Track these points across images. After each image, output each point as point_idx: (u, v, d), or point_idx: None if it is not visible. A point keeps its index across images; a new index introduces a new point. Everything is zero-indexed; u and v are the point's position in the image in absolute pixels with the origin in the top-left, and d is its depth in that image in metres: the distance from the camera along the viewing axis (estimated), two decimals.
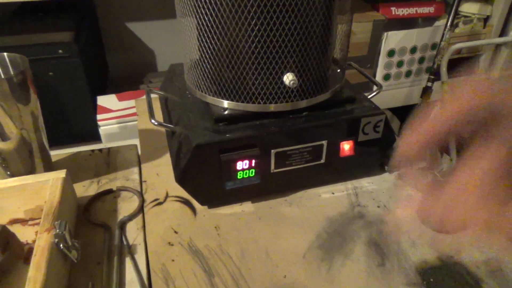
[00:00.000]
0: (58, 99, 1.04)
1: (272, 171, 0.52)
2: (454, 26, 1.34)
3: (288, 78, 0.49)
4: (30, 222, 0.51)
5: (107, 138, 0.92)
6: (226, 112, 0.51)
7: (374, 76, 1.33)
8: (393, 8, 1.29)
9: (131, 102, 0.97)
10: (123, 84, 1.37)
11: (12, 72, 0.52)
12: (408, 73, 1.37)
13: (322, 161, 0.54)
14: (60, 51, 0.98)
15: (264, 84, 0.50)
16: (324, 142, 0.52)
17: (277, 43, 0.47)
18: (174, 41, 1.47)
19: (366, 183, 0.58)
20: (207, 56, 0.51)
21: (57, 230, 0.41)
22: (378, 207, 0.54)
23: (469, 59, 1.45)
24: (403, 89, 1.40)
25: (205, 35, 0.49)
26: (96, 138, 0.97)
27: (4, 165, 0.53)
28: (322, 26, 0.49)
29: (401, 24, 1.33)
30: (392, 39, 1.28)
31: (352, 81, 0.61)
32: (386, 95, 1.38)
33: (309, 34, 0.48)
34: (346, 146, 0.54)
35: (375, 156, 0.57)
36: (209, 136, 0.48)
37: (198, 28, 0.50)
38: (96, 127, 0.92)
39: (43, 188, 0.49)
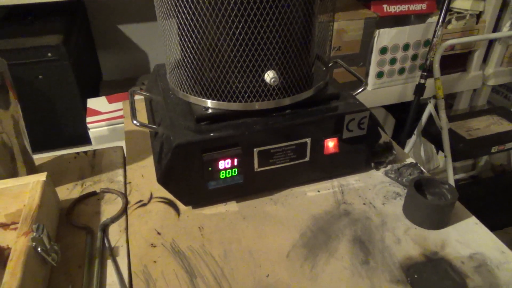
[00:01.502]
0: (48, 103, 1.03)
1: (256, 170, 0.52)
2: (446, 22, 1.34)
3: (269, 76, 0.48)
4: (11, 226, 0.50)
5: (96, 141, 0.92)
6: (208, 111, 0.50)
7: (367, 74, 1.32)
8: (385, 6, 1.28)
9: (121, 104, 0.97)
10: (117, 87, 1.36)
11: None
12: (401, 70, 1.36)
13: (307, 159, 0.53)
14: (49, 54, 0.98)
15: (245, 83, 0.49)
16: (308, 140, 0.52)
17: (257, 41, 0.46)
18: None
19: (353, 181, 0.57)
20: (189, 56, 0.50)
21: (35, 234, 0.40)
22: (364, 204, 0.53)
23: (462, 55, 1.44)
24: (397, 87, 1.39)
25: (186, 35, 0.48)
26: (87, 141, 0.96)
27: None
28: (302, 23, 0.48)
29: (393, 22, 1.33)
30: (384, 37, 1.27)
31: (344, 79, 0.60)
32: (380, 93, 1.37)
33: (289, 32, 0.47)
34: (331, 144, 0.53)
35: (361, 153, 0.56)
36: (190, 136, 0.48)
37: (179, 28, 0.49)
38: (86, 129, 0.92)
39: (24, 191, 0.49)
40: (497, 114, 1.41)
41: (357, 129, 0.54)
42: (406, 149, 1.39)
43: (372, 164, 0.59)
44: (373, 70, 1.32)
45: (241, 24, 0.45)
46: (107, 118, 0.92)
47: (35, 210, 0.44)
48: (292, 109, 0.52)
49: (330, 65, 0.60)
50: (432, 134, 1.34)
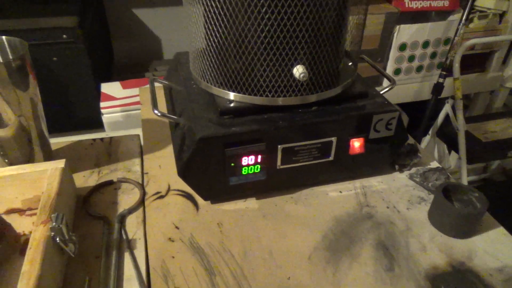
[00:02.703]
0: (61, 85, 1.02)
1: (278, 167, 0.50)
2: (469, 21, 1.30)
3: (298, 71, 0.46)
4: (27, 212, 0.49)
5: (110, 126, 0.90)
6: (232, 105, 0.49)
7: (384, 70, 1.30)
8: (406, 1, 1.25)
9: (135, 90, 0.96)
10: (128, 72, 1.35)
11: (10, 57, 0.50)
12: (419, 68, 1.34)
13: (331, 158, 0.52)
14: (64, 36, 0.96)
15: (272, 76, 0.47)
16: (334, 139, 0.50)
17: (288, 33, 0.44)
18: (180, 29, 1.44)
19: (376, 182, 0.56)
20: (214, 45, 0.48)
21: (54, 223, 0.39)
22: (387, 208, 0.51)
23: (482, 55, 1.41)
24: (413, 84, 1.37)
25: (212, 22, 0.46)
26: (99, 125, 0.95)
27: (2, 153, 0.51)
28: (336, 16, 0.46)
29: (414, 18, 1.30)
30: (404, 33, 1.24)
31: (362, 75, 0.58)
32: (396, 90, 1.34)
33: (322, 25, 0.45)
34: (357, 144, 0.52)
35: (386, 155, 0.55)
36: (214, 129, 0.46)
37: (205, 15, 0.47)
38: (99, 114, 0.91)
39: (41, 177, 0.47)
40: None
41: (384, 130, 0.52)
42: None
43: (396, 167, 0.57)
44: (390, 66, 1.30)
45: (271, 13, 0.43)
46: (121, 104, 0.90)
47: (54, 198, 0.43)
48: (318, 106, 0.51)
49: (357, 61, 0.58)
50: (446, 135, 1.32)
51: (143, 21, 1.43)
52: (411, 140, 0.61)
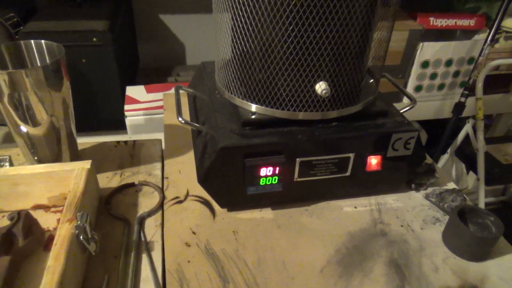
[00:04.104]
0: (88, 86, 1.06)
1: (295, 180, 0.51)
2: (494, 41, 1.29)
3: (321, 87, 0.47)
4: (52, 209, 0.52)
5: (132, 129, 0.93)
6: (254, 116, 0.50)
7: (405, 86, 1.29)
8: (431, 18, 1.25)
9: (159, 95, 0.98)
10: (152, 75, 1.38)
11: (48, 60, 0.53)
12: (441, 86, 1.33)
13: (348, 173, 0.52)
14: (95, 39, 1.00)
15: (295, 91, 0.49)
16: (351, 155, 0.51)
17: (313, 50, 0.46)
18: (205, 36, 1.47)
19: (391, 200, 0.56)
20: (240, 57, 0.50)
21: (79, 222, 0.41)
22: (402, 226, 0.52)
23: (507, 76, 1.39)
24: (434, 102, 1.36)
25: (240, 34, 0.48)
26: (122, 127, 0.98)
27: (33, 151, 0.54)
28: (361, 35, 0.47)
29: (437, 35, 1.29)
30: (428, 50, 1.24)
31: (381, 90, 0.59)
32: (416, 107, 1.33)
33: (346, 43, 0.46)
34: (374, 161, 0.52)
35: (403, 173, 0.55)
36: (235, 139, 0.47)
37: (233, 26, 0.49)
38: (123, 116, 0.93)
39: (68, 176, 0.50)
40: None
41: (402, 149, 0.52)
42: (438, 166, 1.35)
43: (413, 186, 0.57)
44: (411, 83, 1.29)
45: (297, 29, 0.44)
46: (144, 108, 0.93)
47: (79, 197, 0.45)
48: (338, 122, 0.52)
49: (379, 79, 0.58)
50: (465, 154, 1.31)
51: (169, 26, 1.46)
52: (428, 160, 0.61)
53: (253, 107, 0.51)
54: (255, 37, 0.47)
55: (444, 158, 1.36)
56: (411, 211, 0.54)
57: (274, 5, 0.44)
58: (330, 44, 0.45)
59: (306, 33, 0.44)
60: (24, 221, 0.44)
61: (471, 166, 1.27)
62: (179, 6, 1.40)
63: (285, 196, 0.52)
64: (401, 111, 0.56)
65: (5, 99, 0.48)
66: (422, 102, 1.34)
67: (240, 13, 0.46)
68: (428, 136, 1.56)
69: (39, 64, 0.53)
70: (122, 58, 1.11)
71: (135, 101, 0.96)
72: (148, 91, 1.01)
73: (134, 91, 1.00)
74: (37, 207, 0.51)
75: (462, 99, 1.21)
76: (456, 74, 1.31)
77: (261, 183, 0.50)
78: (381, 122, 0.53)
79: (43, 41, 0.53)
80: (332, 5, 0.43)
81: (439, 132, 1.32)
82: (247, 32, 0.47)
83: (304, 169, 0.51)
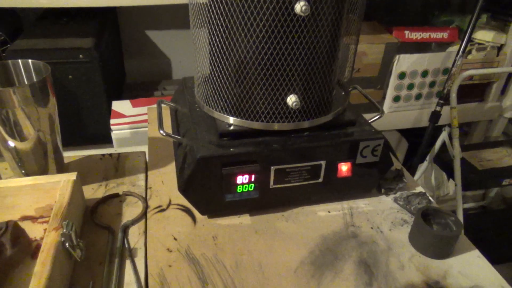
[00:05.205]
0: (75, 101, 1.08)
1: (271, 187, 0.54)
2: (467, 52, 1.35)
3: (291, 100, 0.51)
4: (39, 220, 0.54)
5: (118, 142, 0.96)
6: (231, 128, 0.53)
7: (384, 97, 1.35)
8: (406, 32, 1.30)
9: (144, 109, 1.01)
10: (138, 89, 1.41)
11: (34, 78, 0.56)
12: (418, 96, 1.38)
13: (320, 180, 0.56)
14: (81, 56, 1.03)
15: (268, 104, 0.52)
16: (323, 162, 0.54)
17: (282, 66, 0.49)
18: (189, 51, 1.51)
19: (363, 204, 0.59)
20: (216, 73, 0.53)
21: (64, 230, 0.44)
22: (372, 228, 0.55)
23: (481, 85, 1.45)
24: (413, 111, 1.41)
25: (216, 51, 0.52)
26: (108, 140, 1.01)
27: (20, 164, 0.56)
28: (327, 53, 0.51)
29: (414, 46, 1.35)
30: (404, 62, 1.29)
31: (360, 101, 0.62)
32: (396, 116, 1.39)
33: (313, 59, 0.50)
34: (344, 167, 0.56)
35: (372, 178, 0.59)
36: (213, 150, 0.51)
37: (210, 43, 0.53)
38: (109, 130, 0.96)
39: (54, 188, 0.52)
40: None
41: (370, 156, 0.56)
42: (417, 175, 1.40)
43: (382, 190, 0.61)
44: (390, 93, 1.34)
45: (269, 49, 0.48)
46: (130, 122, 0.96)
47: (65, 207, 0.48)
48: (310, 132, 0.55)
49: (349, 90, 0.62)
50: (444, 162, 1.35)
51: (155, 42, 1.50)
52: (399, 165, 0.65)
53: (231, 119, 0.54)
54: (231, 56, 0.51)
55: (424, 165, 1.41)
56: (381, 214, 0.58)
57: (248, 27, 0.47)
58: (297, 61, 0.49)
59: (275, 51, 0.48)
60: (12, 231, 0.46)
61: (449, 172, 1.32)
62: (163, 21, 1.45)
63: (261, 203, 0.56)
64: (370, 121, 0.60)
65: None
66: (401, 112, 1.39)
67: (217, 32, 0.50)
68: (409, 144, 1.61)
69: (26, 82, 0.56)
70: (108, 73, 1.14)
71: (121, 115, 0.99)
72: (134, 105, 1.04)
73: (120, 105, 1.03)
74: (24, 218, 0.54)
75: (438, 108, 1.27)
76: (432, 84, 1.36)
77: (238, 191, 0.53)
78: (350, 131, 0.57)
79: (30, 60, 0.55)
80: (300, 27, 0.47)
81: (419, 140, 1.36)
82: (224, 52, 0.51)
83: (279, 177, 0.54)
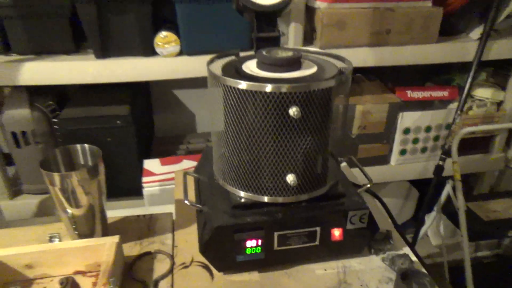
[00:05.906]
0: (111, 160, 1.24)
1: (275, 249, 0.66)
2: (468, 108, 1.45)
3: (290, 179, 0.64)
4: (88, 274, 0.67)
5: (149, 198, 1.10)
6: (242, 200, 0.66)
7: (391, 150, 1.44)
8: (408, 92, 1.41)
9: (172, 167, 1.15)
10: (166, 143, 1.57)
11: (89, 159, 0.71)
12: (424, 149, 1.47)
13: (316, 243, 0.67)
14: (118, 122, 1.19)
15: (271, 182, 0.65)
16: (318, 228, 0.66)
17: (282, 153, 0.62)
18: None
19: (355, 263, 0.70)
20: (230, 156, 0.67)
21: (111, 286, 0.56)
22: (361, 285, 0.65)
23: (484, 138, 1.53)
24: (419, 163, 1.49)
25: (231, 141, 0.65)
26: (138, 193, 1.14)
27: (75, 227, 0.70)
28: (317, 143, 0.64)
29: (417, 104, 1.45)
30: (407, 119, 1.39)
31: (368, 155, 0.72)
32: (403, 168, 1.48)
33: (306, 149, 0.63)
34: (337, 232, 0.67)
35: (362, 241, 0.69)
36: (227, 219, 0.63)
37: (225, 135, 0.66)
38: (139, 184, 1.10)
39: (101, 248, 0.65)
40: None
41: (358, 223, 0.67)
42: (426, 225, 1.46)
43: (372, 251, 0.71)
44: (396, 147, 1.44)
45: (270, 139, 0.61)
46: (159, 180, 1.10)
47: (111, 265, 0.61)
48: (307, 203, 0.67)
49: (342, 164, 0.74)
50: (451, 212, 1.42)
51: (181, 100, 1.67)
52: (390, 228, 0.75)
53: (241, 193, 0.67)
54: (240, 144, 0.64)
55: (432, 215, 1.47)
56: (370, 272, 0.68)
57: (255, 125, 0.61)
58: (293, 149, 0.62)
59: (276, 143, 0.61)
60: (71, 285, 0.59)
61: (455, 223, 1.38)
62: (189, 83, 1.61)
63: (267, 262, 0.67)
64: (358, 191, 0.71)
65: (57, 189, 0.65)
66: (408, 164, 1.48)
67: (229, 128, 0.64)
68: (420, 194, 1.67)
69: (82, 162, 0.71)
70: (140, 134, 1.30)
71: (151, 174, 1.13)
72: (163, 163, 1.19)
73: (150, 164, 1.18)
74: (77, 272, 0.67)
75: (440, 163, 1.36)
76: (437, 138, 1.45)
77: (247, 252, 0.65)
78: (341, 201, 0.68)
79: (86, 145, 0.71)
80: (294, 125, 0.60)
81: (428, 190, 1.44)
82: (234, 140, 0.64)
83: (281, 240, 0.66)
